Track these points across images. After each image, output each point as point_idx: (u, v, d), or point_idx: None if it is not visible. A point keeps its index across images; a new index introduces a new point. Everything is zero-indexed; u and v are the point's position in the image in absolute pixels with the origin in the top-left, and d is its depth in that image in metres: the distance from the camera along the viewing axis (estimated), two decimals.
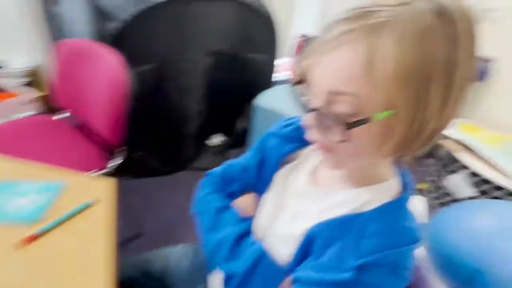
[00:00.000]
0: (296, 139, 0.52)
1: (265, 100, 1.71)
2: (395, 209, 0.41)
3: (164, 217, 1.49)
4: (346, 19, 0.33)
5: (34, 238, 0.53)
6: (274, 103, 1.66)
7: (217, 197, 0.56)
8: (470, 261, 1.17)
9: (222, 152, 1.95)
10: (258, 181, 0.55)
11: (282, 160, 0.53)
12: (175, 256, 0.69)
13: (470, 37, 0.32)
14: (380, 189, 0.42)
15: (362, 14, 0.32)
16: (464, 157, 1.49)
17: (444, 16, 0.30)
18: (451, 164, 1.55)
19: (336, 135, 0.35)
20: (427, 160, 1.78)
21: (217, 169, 0.61)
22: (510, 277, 1.11)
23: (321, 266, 0.39)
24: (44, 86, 1.86)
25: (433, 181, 1.70)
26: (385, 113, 0.32)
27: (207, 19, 1.48)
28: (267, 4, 1.69)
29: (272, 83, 1.95)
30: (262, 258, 0.45)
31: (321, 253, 0.40)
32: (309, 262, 0.42)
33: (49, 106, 1.92)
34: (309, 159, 0.51)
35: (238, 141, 1.99)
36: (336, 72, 0.33)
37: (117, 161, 1.11)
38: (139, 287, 0.65)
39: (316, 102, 0.36)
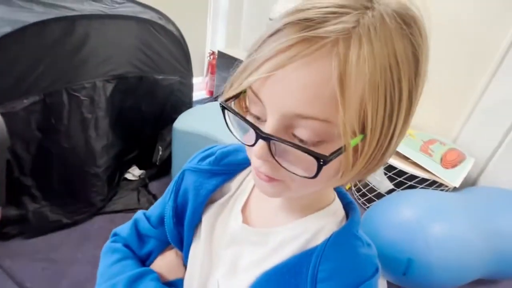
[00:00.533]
0: (219, 173, 0.43)
1: (184, 122, 1.58)
2: (347, 237, 0.35)
3: (74, 276, 1.22)
4: (302, 22, 0.25)
5: None
6: (194, 124, 1.55)
7: (129, 264, 0.42)
8: (402, 251, 1.24)
9: (142, 186, 1.73)
10: (179, 232, 0.44)
11: (206, 200, 0.43)
12: None
13: (426, 39, 0.28)
14: (325, 215, 0.36)
15: (322, 18, 0.25)
16: None
17: (405, 18, 0.27)
18: None
19: (297, 168, 0.28)
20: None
21: (125, 227, 0.48)
22: (438, 261, 1.21)
23: None
24: None
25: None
26: (358, 137, 0.27)
27: (103, 40, 1.29)
28: (174, 21, 1.59)
29: (189, 104, 1.84)
30: None
31: None
32: None
33: None
34: (238, 194, 0.42)
35: (160, 170, 1.80)
36: (298, 90, 0.26)
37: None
38: None
39: (269, 125, 0.28)
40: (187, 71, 1.70)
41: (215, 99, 2.80)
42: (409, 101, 0.28)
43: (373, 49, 0.25)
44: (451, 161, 1.59)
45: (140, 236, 0.46)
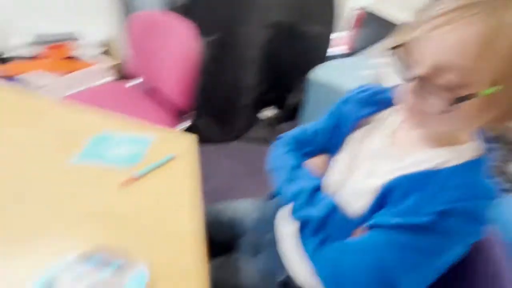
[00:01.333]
0: (371, 104, 0.55)
1: (320, 74, 1.69)
2: (474, 167, 0.43)
3: (221, 180, 1.59)
4: None
5: (132, 180, 0.63)
6: (329, 77, 1.65)
7: (292, 156, 0.61)
8: None
9: (274, 124, 2.00)
10: (330, 144, 0.59)
11: (356, 124, 0.56)
12: (243, 208, 0.77)
13: None
14: (458, 151, 0.44)
15: None
16: None
17: None
18: None
19: (436, 105, 0.37)
20: (493, 143, 1.66)
21: (290, 132, 0.66)
22: None
23: (399, 212, 0.42)
24: (117, 55, 2.04)
25: (497, 166, 1.59)
26: (491, 89, 0.34)
27: None
28: None
29: (327, 57, 1.92)
30: (334, 210, 0.49)
31: (399, 203, 0.43)
32: (385, 211, 0.45)
33: (122, 73, 2.11)
34: (386, 123, 0.54)
35: (290, 114, 2.02)
36: (451, 46, 0.34)
37: (185, 124, 1.22)
38: (212, 233, 0.73)
39: (421, 70, 0.37)
40: (332, 25, 1.76)
41: (351, 54, 2.76)
42: None
43: None
44: None
45: (303, 140, 0.64)
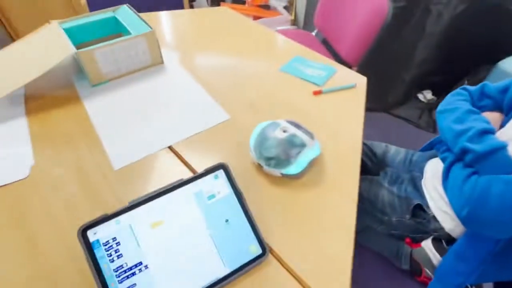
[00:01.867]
0: None
1: None
2: None
3: None
4: None
5: (320, 92, 0.82)
6: None
7: (468, 104, 0.66)
8: None
9: (428, 109, 1.89)
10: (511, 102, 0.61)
11: None
12: (394, 150, 0.88)
13: None
14: None
15: None
16: None
17: None
18: None
19: None
20: None
21: (473, 87, 0.70)
22: None
23: None
24: (295, 11, 2.29)
25: None
26: None
27: None
28: None
29: None
30: (500, 149, 0.53)
31: None
32: None
33: (299, 25, 2.37)
34: None
35: None
36: None
37: None
38: (364, 158, 0.87)
39: None
40: None
41: None
42: None
43: None
44: None
45: (482, 93, 0.68)
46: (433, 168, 0.73)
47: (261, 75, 0.89)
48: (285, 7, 2.24)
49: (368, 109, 1.88)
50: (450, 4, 1.44)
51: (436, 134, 1.78)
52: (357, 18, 1.26)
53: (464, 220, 0.53)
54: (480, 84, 0.69)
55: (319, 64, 0.93)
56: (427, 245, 0.69)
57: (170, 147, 0.67)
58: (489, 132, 0.57)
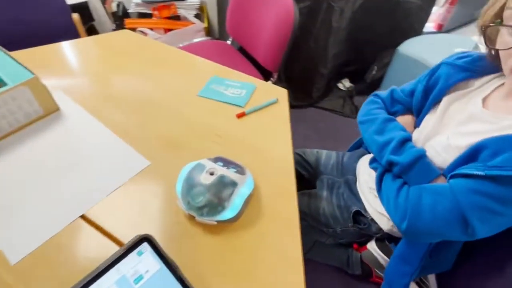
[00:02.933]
0: (470, 70, 0.59)
1: (409, 47, 1.65)
2: None
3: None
4: None
5: (243, 114, 0.78)
6: (419, 52, 1.60)
7: (383, 112, 0.69)
8: None
9: (349, 96, 2.02)
10: (421, 104, 0.65)
11: (451, 87, 0.61)
12: (325, 155, 0.89)
13: None
14: None
15: None
16: None
17: None
18: None
19: None
20: None
21: (383, 92, 0.74)
22: None
23: (486, 167, 0.47)
24: (207, 18, 2.23)
25: None
26: None
27: None
28: None
29: (417, 32, 1.84)
30: (421, 157, 0.56)
31: (487, 160, 0.47)
32: (471, 165, 0.50)
33: (212, 34, 2.31)
34: (483, 88, 0.57)
35: (368, 88, 2.01)
36: None
37: (271, 83, 1.35)
38: (298, 169, 0.87)
39: None
40: None
41: (442, 32, 2.55)
42: None
43: None
44: None
45: (393, 99, 0.71)
46: (365, 170, 0.75)
47: (178, 104, 0.81)
48: (196, 16, 2.16)
49: (296, 106, 1.94)
50: (349, 2, 1.54)
51: None
52: (267, 24, 1.26)
53: (404, 232, 0.54)
54: (389, 90, 0.73)
55: (238, 82, 0.90)
56: (372, 246, 0.71)
57: (83, 217, 0.56)
58: (407, 140, 0.60)
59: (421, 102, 0.65)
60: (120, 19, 2.00)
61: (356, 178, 0.78)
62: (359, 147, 0.90)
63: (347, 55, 1.84)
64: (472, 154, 0.51)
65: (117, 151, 0.67)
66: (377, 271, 0.71)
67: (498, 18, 0.47)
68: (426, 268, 0.60)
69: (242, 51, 1.51)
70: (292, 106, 1.90)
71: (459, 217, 0.48)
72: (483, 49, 1.49)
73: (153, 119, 0.76)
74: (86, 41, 1.09)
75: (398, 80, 1.74)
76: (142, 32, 1.95)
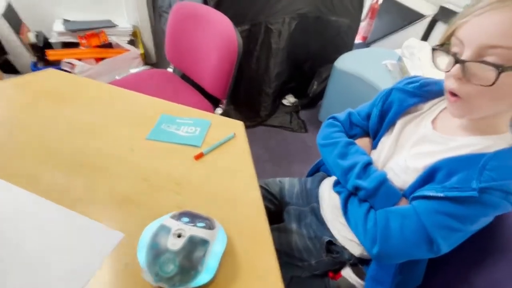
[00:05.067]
0: (419, 95, 0.64)
1: (344, 62, 1.77)
2: None
3: None
4: None
5: (201, 155, 0.74)
6: (352, 66, 1.72)
7: (343, 135, 0.70)
8: None
9: (295, 112, 2.09)
10: (377, 127, 0.68)
11: (404, 111, 0.65)
12: (287, 183, 0.88)
13: None
14: (497, 139, 0.51)
15: None
16: None
17: None
18: None
19: (480, 81, 0.43)
20: None
21: (340, 115, 0.76)
22: None
23: (446, 187, 0.50)
24: (142, 44, 2.13)
25: None
26: None
27: None
28: None
29: (349, 47, 1.99)
30: (384, 181, 0.58)
31: (444, 181, 0.51)
32: (429, 186, 0.53)
33: (148, 61, 2.21)
34: (431, 111, 0.62)
35: (311, 102, 2.10)
36: (490, 28, 0.42)
37: (220, 110, 1.32)
38: (265, 199, 0.84)
39: (466, 54, 0.45)
40: (357, 15, 1.82)
41: (367, 45, 2.81)
42: None
43: None
44: None
45: (351, 123, 0.73)
46: (327, 196, 0.76)
47: (125, 152, 0.73)
48: (129, 42, 2.05)
49: (247, 126, 1.93)
50: (285, 22, 1.60)
51: (309, 134, 1.97)
52: (210, 51, 1.23)
53: (376, 257, 0.55)
54: (346, 113, 0.75)
55: (191, 119, 0.85)
56: (347, 273, 0.72)
57: None
58: (370, 163, 0.62)
59: (377, 125, 0.69)
60: (40, 50, 1.79)
61: (319, 205, 0.78)
62: (318, 170, 0.91)
63: (289, 73, 1.90)
64: (429, 175, 0.55)
65: (78, 229, 0.56)
66: None
67: (448, 41, 0.50)
68: (399, 285, 0.62)
69: (185, 78, 1.46)
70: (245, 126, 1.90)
71: (425, 237, 0.51)
72: (406, 60, 1.64)
73: (100, 175, 0.67)
74: (3, 86, 0.94)
75: (338, 93, 1.85)
76: (69, 63, 1.77)
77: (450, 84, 0.49)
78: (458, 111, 0.51)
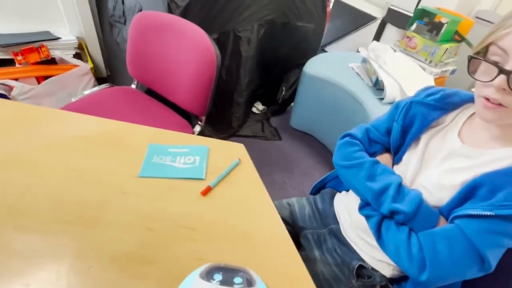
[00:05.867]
0: (440, 107, 0.61)
1: (312, 67, 1.76)
2: None
3: None
4: None
5: (209, 189, 0.64)
6: (320, 70, 1.73)
7: (366, 154, 0.66)
8: None
9: (265, 119, 2.04)
10: (400, 143, 0.65)
11: (429, 125, 0.62)
12: (297, 206, 0.81)
13: None
14: None
15: None
16: None
17: None
18: None
19: None
20: None
21: (356, 132, 0.71)
22: None
23: (494, 205, 0.48)
24: (90, 57, 1.90)
25: None
26: None
27: None
28: None
29: (316, 51, 1.99)
30: (422, 203, 0.55)
31: (490, 197, 0.49)
32: (473, 203, 0.51)
33: (99, 76, 1.98)
34: (455, 123, 0.60)
35: (280, 108, 2.07)
36: None
37: (199, 128, 1.21)
38: None
39: (510, 65, 0.44)
40: (322, 19, 1.83)
41: (323, 49, 2.88)
42: None
43: None
44: None
45: (370, 140, 0.69)
46: (347, 216, 0.72)
47: (117, 198, 0.60)
48: (75, 56, 1.82)
49: (222, 138, 1.83)
50: (254, 29, 1.54)
51: (283, 141, 1.94)
52: (186, 66, 1.12)
53: (426, 282, 0.52)
54: (363, 130, 0.71)
55: (185, 147, 0.74)
56: None
57: None
58: (401, 183, 0.59)
59: (399, 141, 0.66)
60: None
61: (339, 225, 0.74)
62: (323, 187, 0.87)
63: (259, 80, 1.85)
64: (469, 192, 0.52)
65: None
66: None
67: (486, 50, 0.49)
68: None
69: (151, 93, 1.32)
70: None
71: (477, 257, 0.49)
72: (372, 63, 1.67)
73: (90, 233, 0.53)
74: None
75: (309, 97, 1.84)
76: (4, 85, 1.49)
77: (491, 94, 0.47)
78: (494, 117, 0.49)
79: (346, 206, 0.73)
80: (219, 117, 1.76)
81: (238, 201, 0.64)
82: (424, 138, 0.62)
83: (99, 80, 1.96)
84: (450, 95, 0.62)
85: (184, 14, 1.27)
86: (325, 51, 2.81)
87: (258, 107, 2.08)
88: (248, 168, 0.72)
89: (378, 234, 0.59)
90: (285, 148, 1.88)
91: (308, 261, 0.70)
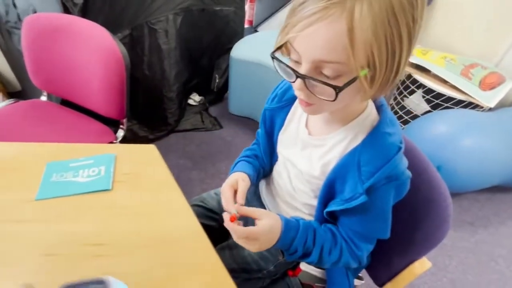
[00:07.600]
0: (285, 105, 0.63)
1: (239, 51, 1.74)
2: (377, 134, 0.49)
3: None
4: None
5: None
6: (248, 53, 1.71)
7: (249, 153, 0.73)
8: (433, 160, 1.44)
9: (204, 110, 2.00)
10: (269, 144, 0.69)
11: (283, 124, 0.64)
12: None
13: None
14: (362, 120, 0.51)
15: None
16: (420, 78, 1.73)
17: None
18: (410, 85, 1.79)
19: (323, 95, 0.42)
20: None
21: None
22: (463, 167, 1.42)
23: (342, 199, 0.52)
24: None
25: (396, 101, 1.94)
26: (366, 70, 0.38)
27: None
28: None
29: (241, 34, 1.97)
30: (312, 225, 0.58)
31: (342, 191, 0.52)
32: (335, 200, 0.55)
33: (10, 90, 1.79)
34: (302, 114, 0.61)
35: (217, 96, 2.05)
36: (320, 44, 0.38)
37: (122, 132, 1.15)
38: (205, 222, 0.77)
39: (303, 68, 0.41)
40: (240, 1, 1.80)
41: (256, 29, 2.86)
42: (408, 41, 0.37)
43: (372, 8, 0.34)
44: (489, 83, 1.65)
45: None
46: (274, 204, 0.73)
47: (13, 228, 0.55)
48: None
49: (155, 139, 1.77)
50: (169, 19, 1.47)
51: (224, 129, 1.93)
52: (92, 69, 1.04)
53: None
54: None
55: (88, 158, 0.69)
56: (306, 266, 0.71)
57: None
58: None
59: (268, 143, 0.69)
60: None
61: (264, 207, 0.75)
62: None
63: (188, 72, 1.79)
64: (329, 189, 0.55)
65: None
66: (318, 285, 0.72)
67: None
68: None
69: (67, 103, 1.22)
70: (151, 140, 1.73)
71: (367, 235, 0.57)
72: None
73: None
74: None
75: (241, 82, 1.82)
76: None
77: (299, 95, 0.46)
78: (313, 111, 0.50)
79: (264, 188, 0.75)
80: (152, 115, 1.69)
81: (149, 205, 0.62)
82: (283, 136, 0.65)
83: (13, 95, 1.77)
84: (286, 90, 0.63)
85: (84, 12, 1.17)
86: (257, 31, 2.80)
87: (194, 99, 2.03)
88: (161, 169, 0.70)
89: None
90: (227, 136, 1.87)
91: (236, 247, 0.71)
